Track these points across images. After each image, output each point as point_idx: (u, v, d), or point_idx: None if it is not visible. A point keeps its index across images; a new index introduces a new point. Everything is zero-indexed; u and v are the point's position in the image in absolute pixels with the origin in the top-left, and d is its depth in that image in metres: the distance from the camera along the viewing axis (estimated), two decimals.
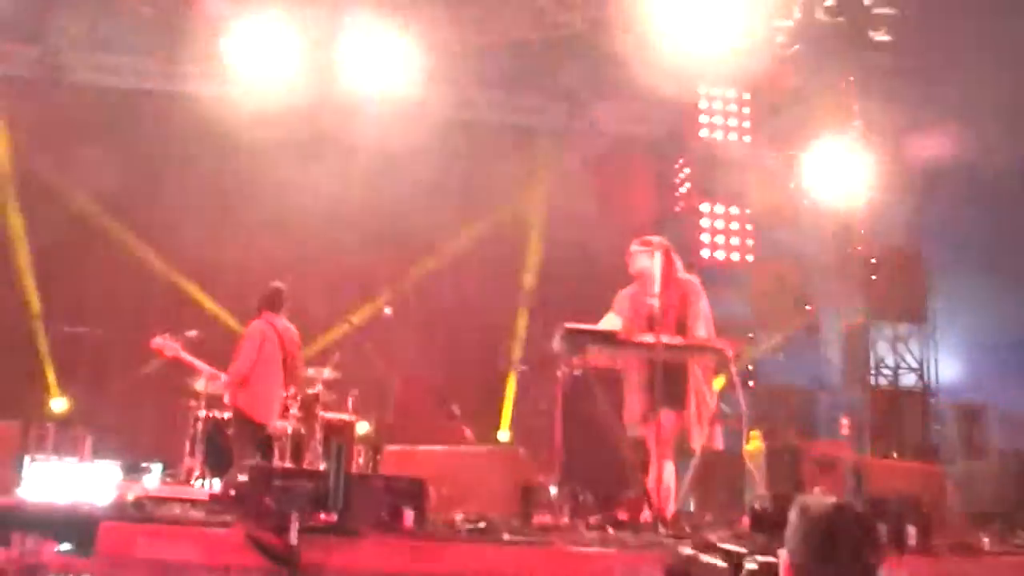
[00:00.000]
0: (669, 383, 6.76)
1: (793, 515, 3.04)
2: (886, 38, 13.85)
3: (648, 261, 7.30)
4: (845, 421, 14.40)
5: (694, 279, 7.60)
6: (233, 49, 14.47)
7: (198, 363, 9.90)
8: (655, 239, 7.48)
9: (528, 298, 15.14)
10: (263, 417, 9.17)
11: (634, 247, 7.42)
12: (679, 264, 7.46)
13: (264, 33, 14.49)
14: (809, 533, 2.92)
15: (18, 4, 14.00)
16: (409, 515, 5.01)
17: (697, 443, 6.83)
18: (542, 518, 6.80)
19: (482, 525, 5.41)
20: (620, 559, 4.76)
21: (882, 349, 14.40)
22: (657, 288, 7.08)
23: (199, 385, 10.23)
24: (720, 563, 3.71)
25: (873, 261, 14.30)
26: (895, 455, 12.75)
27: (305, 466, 9.50)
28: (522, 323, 14.95)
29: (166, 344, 9.78)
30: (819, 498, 3.11)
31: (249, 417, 9.12)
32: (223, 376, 9.50)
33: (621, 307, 7.37)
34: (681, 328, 7.07)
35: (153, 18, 14.44)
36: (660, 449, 6.66)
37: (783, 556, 3.04)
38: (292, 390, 9.53)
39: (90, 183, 14.58)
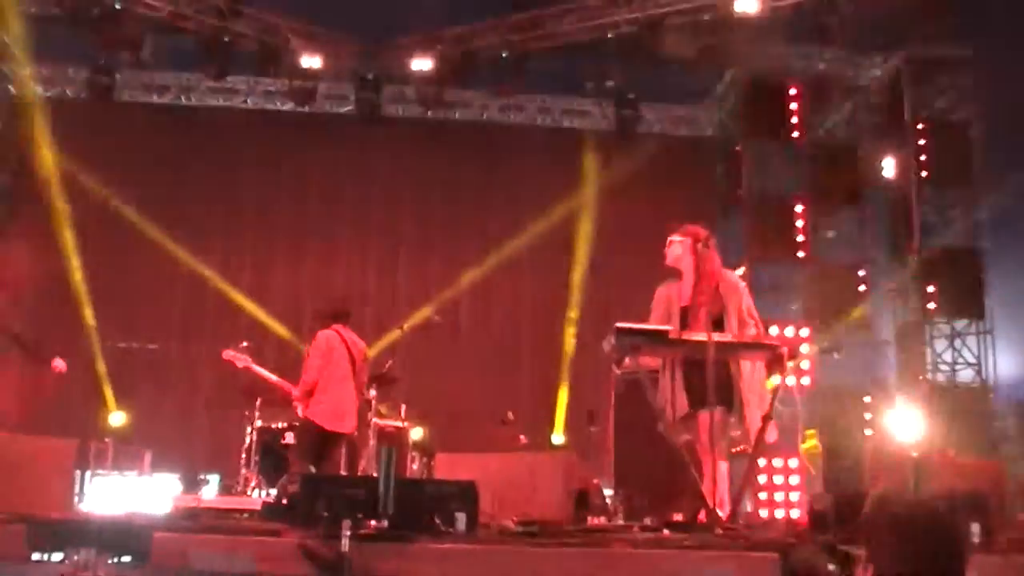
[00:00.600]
0: (718, 381, 6.63)
1: (875, 515, 2.93)
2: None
3: (681, 251, 7.18)
4: (900, 418, 14.18)
5: (734, 275, 7.38)
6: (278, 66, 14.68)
7: (269, 375, 9.94)
8: (689, 228, 7.31)
9: (578, 302, 15.05)
10: (335, 426, 9.14)
11: (670, 238, 7.28)
12: (717, 258, 7.23)
13: (307, 48, 14.65)
14: (900, 536, 2.81)
15: (66, 27, 14.19)
16: (461, 519, 4.98)
17: (749, 442, 6.70)
18: (596, 521, 6.73)
19: (535, 528, 5.36)
20: (676, 560, 4.68)
21: (939, 345, 14.18)
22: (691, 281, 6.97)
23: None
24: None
25: (929, 257, 14.07)
26: (954, 452, 12.53)
27: (359, 473, 9.52)
28: (573, 326, 14.86)
29: (237, 356, 9.83)
30: (903, 499, 3.00)
31: (320, 427, 9.11)
32: (294, 389, 9.52)
33: (657, 304, 7.23)
34: (717, 324, 6.80)
35: (199, 36, 14.58)
36: (711, 449, 6.54)
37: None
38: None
39: (140, 200, 14.77)
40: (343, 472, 8.67)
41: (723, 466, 6.59)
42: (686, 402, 6.71)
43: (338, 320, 9.47)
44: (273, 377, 9.95)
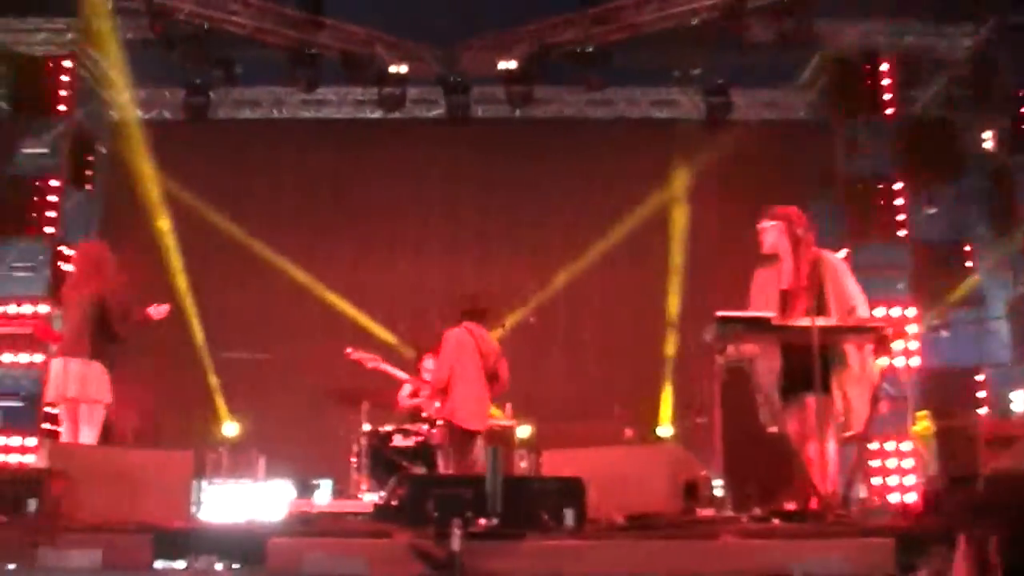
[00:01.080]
0: (811, 366, 6.53)
1: (992, 496, 2.85)
2: None
3: (775, 235, 7.06)
4: (1016, 396, 13.82)
5: (835, 256, 7.24)
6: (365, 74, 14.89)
7: (398, 373, 10.08)
8: (780, 211, 7.19)
9: (677, 292, 14.94)
10: (469, 423, 9.23)
11: (762, 224, 7.16)
12: (814, 240, 7.10)
13: (393, 55, 14.83)
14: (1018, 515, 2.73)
15: (161, 50, 14.56)
16: (569, 516, 5.00)
17: (858, 426, 6.58)
18: (705, 513, 6.69)
19: (644, 522, 5.36)
20: (787, 549, 4.64)
21: None
22: (789, 264, 6.88)
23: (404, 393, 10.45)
24: None
25: None
26: None
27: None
28: (673, 318, 14.76)
29: (364, 356, 9.98)
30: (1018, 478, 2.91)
31: (458, 426, 9.20)
32: (424, 387, 9.63)
33: (755, 289, 7.13)
34: (820, 307, 6.70)
35: (285, 50, 14.84)
36: (817, 434, 6.46)
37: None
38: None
39: (240, 214, 15.09)
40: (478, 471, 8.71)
41: (830, 450, 6.50)
42: (783, 387, 6.64)
43: (470, 318, 9.54)
44: (402, 375, 10.08)
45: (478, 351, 9.36)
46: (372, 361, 9.99)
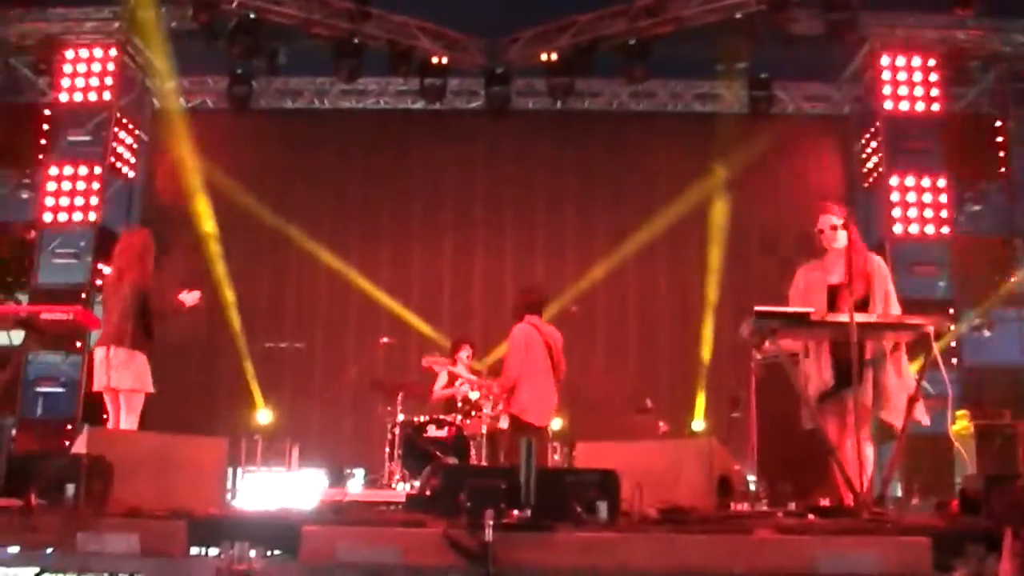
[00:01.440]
0: (860, 362, 6.53)
1: None
2: None
3: (832, 234, 7.02)
4: None
5: (879, 258, 7.24)
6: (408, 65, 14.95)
7: (469, 375, 10.08)
8: (838, 209, 7.15)
9: (716, 286, 14.86)
10: (539, 419, 9.21)
11: (820, 217, 7.11)
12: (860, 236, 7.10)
13: (436, 46, 14.86)
14: None
15: (204, 40, 14.67)
16: (602, 508, 4.97)
17: (896, 424, 6.54)
18: (740, 508, 6.65)
19: (677, 516, 5.33)
20: (822, 546, 4.60)
21: None
22: (842, 263, 6.82)
23: (472, 395, 10.46)
24: None
25: None
26: None
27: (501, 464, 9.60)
28: (711, 312, 14.69)
29: (435, 361, 10.01)
30: None
31: (526, 422, 9.17)
32: (494, 385, 9.62)
33: (797, 286, 7.10)
34: (863, 305, 6.72)
35: (330, 40, 14.89)
36: (854, 430, 6.43)
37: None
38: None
39: (280, 203, 15.18)
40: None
41: (869, 449, 6.47)
42: (831, 383, 6.59)
43: (534, 312, 9.50)
44: (472, 377, 10.07)
45: (545, 345, 9.33)
46: (442, 365, 9.99)
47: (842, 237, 6.95)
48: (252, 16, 14.26)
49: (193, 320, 14.74)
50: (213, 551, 4.84)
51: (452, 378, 10.91)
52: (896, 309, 6.90)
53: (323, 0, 14.70)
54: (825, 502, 6.81)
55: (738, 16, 14.37)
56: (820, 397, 6.63)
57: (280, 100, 16.49)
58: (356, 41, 14.74)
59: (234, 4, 14.24)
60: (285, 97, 16.50)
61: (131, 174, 15.55)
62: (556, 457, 10.47)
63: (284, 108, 16.49)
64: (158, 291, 8.48)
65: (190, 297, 8.62)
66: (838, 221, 7.02)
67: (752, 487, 8.22)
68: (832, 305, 6.76)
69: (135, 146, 15.62)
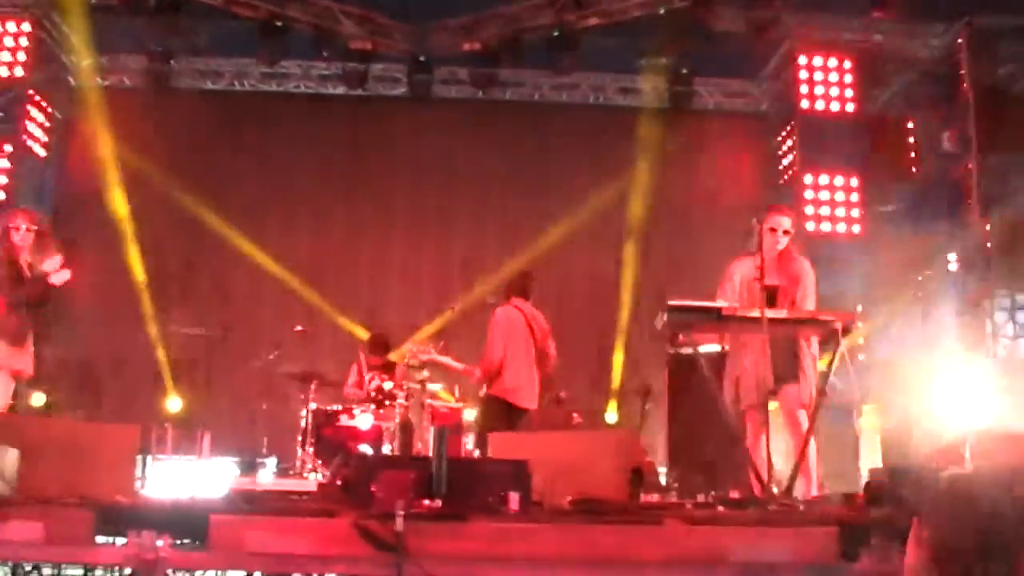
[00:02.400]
0: (790, 358, 6.70)
1: (941, 491, 2.86)
2: None
3: (782, 237, 7.12)
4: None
5: (807, 263, 7.42)
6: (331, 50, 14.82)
7: (451, 362, 10.01)
8: (790, 212, 7.30)
9: (632, 280, 14.98)
10: (523, 401, 9.21)
11: (773, 216, 7.20)
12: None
13: (360, 31, 14.76)
14: (955, 510, 2.75)
15: (124, 16, 14.37)
16: (515, 498, 4.99)
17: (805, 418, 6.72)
18: (650, 499, 6.73)
19: (588, 506, 5.37)
20: (731, 536, 4.67)
21: (1000, 318, 13.96)
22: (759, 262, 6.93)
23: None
24: None
25: (988, 228, 13.84)
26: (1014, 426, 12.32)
27: (414, 454, 9.59)
28: (627, 304, 14.81)
29: (419, 350, 9.93)
30: (960, 473, 2.92)
31: (509, 403, 9.16)
32: (476, 370, 9.57)
33: (732, 280, 7.19)
34: (792, 306, 6.96)
35: (253, 21, 14.68)
36: (799, 424, 6.63)
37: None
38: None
39: (198, 186, 14.96)
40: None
41: (811, 446, 6.66)
42: (771, 379, 6.70)
43: (520, 295, 9.51)
44: (456, 364, 10.00)
45: (529, 329, 9.35)
46: (425, 354, 9.91)
47: (785, 241, 7.11)
48: None
49: (103, 303, 14.56)
50: (120, 540, 4.77)
51: (361, 375, 10.86)
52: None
53: None
54: (734, 493, 6.93)
55: (662, 11, 14.46)
56: (761, 394, 6.70)
57: (200, 81, 16.21)
58: (279, 23, 14.55)
59: None
60: (205, 78, 16.23)
61: (44, 153, 15.16)
62: (469, 447, 10.48)
63: (204, 89, 16.20)
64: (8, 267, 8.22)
65: (50, 264, 8.32)
66: (790, 227, 7.16)
67: (664, 479, 8.33)
68: (770, 304, 6.84)
69: (48, 124, 15.24)
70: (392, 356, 11.75)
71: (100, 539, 4.82)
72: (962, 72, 14.36)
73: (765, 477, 6.15)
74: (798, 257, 7.32)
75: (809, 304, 7.15)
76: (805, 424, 6.73)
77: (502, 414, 9.16)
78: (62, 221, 14.73)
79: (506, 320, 9.34)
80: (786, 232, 7.13)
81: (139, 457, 10.26)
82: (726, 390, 7.01)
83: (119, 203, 14.39)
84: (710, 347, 7.61)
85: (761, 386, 6.67)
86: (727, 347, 7.36)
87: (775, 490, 6.14)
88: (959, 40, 14.42)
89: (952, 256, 14.75)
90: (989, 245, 13.76)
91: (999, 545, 2.73)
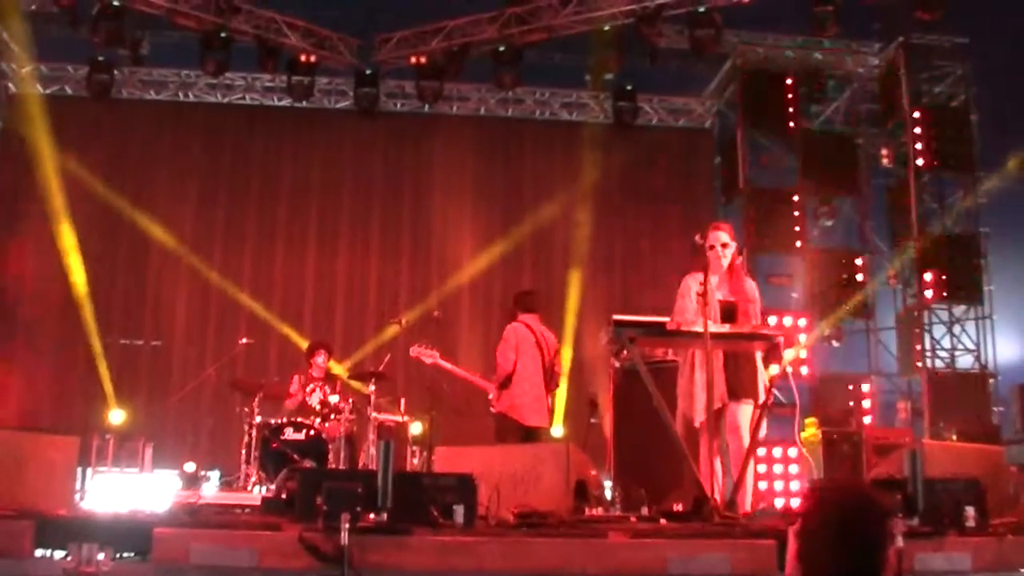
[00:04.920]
0: (742, 373, 6.77)
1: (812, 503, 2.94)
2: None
3: (722, 251, 7.16)
4: (902, 405, 14.26)
5: (752, 282, 7.50)
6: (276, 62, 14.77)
7: (459, 370, 9.87)
8: (728, 228, 7.33)
9: (577, 294, 15.04)
10: (530, 419, 9.10)
11: (711, 233, 7.24)
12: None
13: (305, 44, 14.74)
14: (825, 519, 2.83)
15: (66, 25, 14.22)
16: (459, 512, 5.01)
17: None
18: (595, 512, 6.76)
19: (532, 520, 5.40)
20: (673, 548, 4.73)
21: (938, 331, 14.20)
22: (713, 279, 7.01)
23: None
24: None
25: (928, 243, 14.09)
26: (954, 438, 12.57)
27: (360, 467, 9.55)
28: (572, 318, 14.87)
29: (423, 352, 9.75)
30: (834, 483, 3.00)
31: (516, 420, 9.08)
32: (489, 385, 9.45)
33: (688, 294, 7.18)
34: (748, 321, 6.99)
35: (197, 32, 14.57)
36: (739, 441, 6.69)
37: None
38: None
39: (140, 197, 14.85)
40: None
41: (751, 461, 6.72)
42: (725, 393, 6.76)
43: (527, 310, 9.43)
44: (467, 374, 9.85)
45: (538, 346, 9.27)
46: (430, 358, 9.72)
47: (727, 253, 7.16)
48: (116, 3, 13.85)
49: (44, 314, 14.38)
50: (60, 553, 4.71)
51: (303, 385, 10.78)
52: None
53: None
54: (677, 507, 6.99)
55: (606, 28, 14.57)
56: (715, 410, 6.73)
57: (143, 91, 16.05)
58: (223, 35, 14.46)
59: None
60: (148, 88, 16.07)
61: None
62: (415, 461, 10.46)
63: (147, 99, 16.04)
64: None
65: None
66: (728, 240, 7.21)
67: (608, 492, 8.36)
68: (725, 319, 6.91)
69: None
70: (335, 368, 11.70)
71: (39, 552, 4.76)
72: (899, 90, 14.64)
73: (710, 491, 6.22)
74: (745, 277, 7.40)
75: (760, 321, 7.22)
76: (747, 440, 6.78)
77: (513, 432, 9.05)
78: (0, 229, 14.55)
79: (515, 336, 9.24)
80: (724, 245, 7.17)
81: (79, 469, 10.11)
82: (680, 404, 7.04)
83: (59, 213, 14.20)
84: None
85: (713, 401, 6.71)
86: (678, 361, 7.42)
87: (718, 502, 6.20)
88: (896, 58, 14.70)
89: (889, 271, 15.00)
90: (927, 259, 13.97)
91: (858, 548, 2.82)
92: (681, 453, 6.50)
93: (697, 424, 6.86)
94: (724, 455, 6.84)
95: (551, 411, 9.47)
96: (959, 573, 5.01)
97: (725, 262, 7.17)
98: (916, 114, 14.43)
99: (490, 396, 9.35)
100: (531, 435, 9.11)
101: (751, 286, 7.30)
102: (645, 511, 7.08)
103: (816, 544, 2.85)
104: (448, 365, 9.81)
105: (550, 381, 9.39)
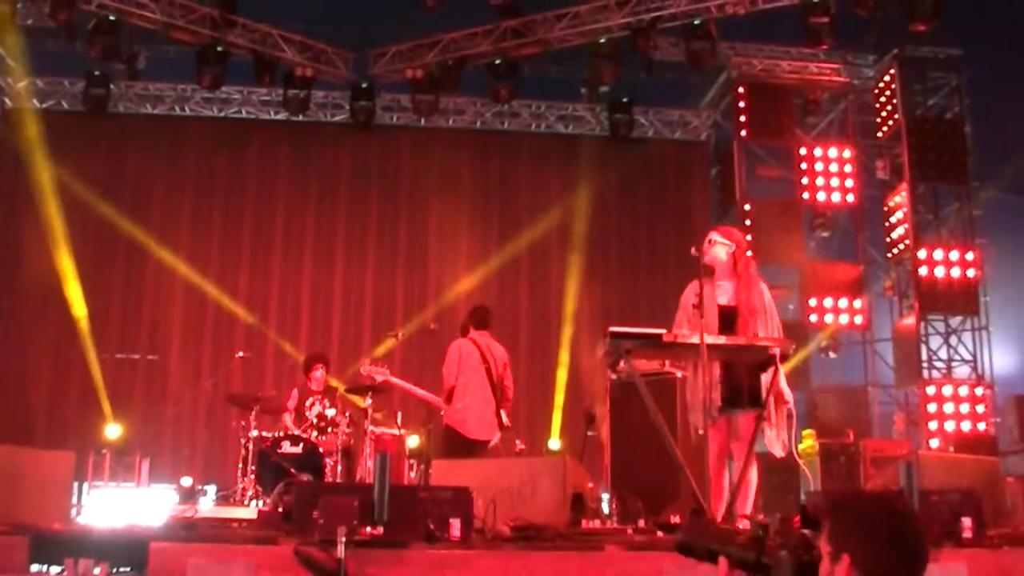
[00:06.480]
0: (744, 382, 6.72)
1: (845, 513, 2.92)
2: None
3: (725, 255, 7.09)
4: (899, 417, 14.25)
5: (765, 286, 7.36)
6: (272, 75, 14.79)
7: (412, 387, 9.98)
8: (733, 232, 7.25)
9: (574, 306, 15.06)
10: (473, 432, 9.22)
11: (713, 237, 7.16)
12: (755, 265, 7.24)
13: (301, 58, 14.77)
14: (872, 526, 2.81)
15: (62, 40, 14.25)
16: (456, 525, 5.01)
17: (775, 444, 6.73)
18: (591, 525, 6.75)
19: (529, 533, 5.39)
20: (668, 561, 4.72)
21: (935, 343, 14.20)
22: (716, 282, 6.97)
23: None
24: None
25: (924, 254, 14.09)
26: (950, 449, 12.57)
27: (356, 481, 9.53)
28: (569, 331, 14.88)
29: (374, 370, 9.84)
30: (867, 493, 3.00)
31: (461, 433, 9.18)
32: (442, 401, 9.52)
33: (687, 305, 7.11)
34: (752, 328, 6.89)
35: (193, 46, 14.59)
36: (741, 450, 6.65)
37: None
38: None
39: (137, 211, 14.85)
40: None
41: (752, 469, 6.66)
42: (719, 402, 6.72)
43: (478, 327, 9.59)
44: (417, 390, 9.96)
45: (483, 361, 9.41)
46: (381, 375, 9.84)
47: (720, 253, 7.06)
48: (112, 18, 13.88)
49: (40, 328, 14.36)
50: (56, 569, 4.70)
51: (302, 399, 10.77)
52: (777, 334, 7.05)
53: (186, 5, 14.38)
54: (675, 519, 6.98)
55: (602, 41, 14.60)
56: (706, 414, 6.69)
57: (139, 105, 16.05)
58: (219, 49, 14.48)
59: (93, 5, 13.81)
60: (145, 102, 16.08)
61: None
62: (411, 474, 10.44)
63: (143, 113, 16.05)
64: None
65: None
66: (718, 237, 7.12)
67: (605, 505, 8.36)
68: (724, 327, 6.86)
69: None
70: (332, 382, 11.68)
71: (35, 567, 4.75)
72: (894, 102, 14.69)
73: (715, 502, 6.22)
74: (759, 284, 7.22)
75: (771, 330, 7.04)
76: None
77: (456, 445, 9.18)
78: None
79: (459, 352, 9.46)
80: (711, 242, 7.06)
81: (75, 484, 10.09)
82: (691, 412, 6.99)
83: (56, 227, 14.20)
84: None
85: (711, 411, 6.68)
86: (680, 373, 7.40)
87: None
88: (891, 71, 14.75)
89: (886, 282, 15.02)
90: (924, 271, 13.98)
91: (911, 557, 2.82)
92: (677, 464, 6.48)
93: (701, 432, 6.83)
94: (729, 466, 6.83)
95: (501, 424, 9.52)
96: None
97: (721, 258, 7.07)
98: (911, 125, 14.46)
99: (441, 412, 9.47)
100: (474, 448, 9.20)
101: (762, 294, 7.10)
102: (642, 523, 7.07)
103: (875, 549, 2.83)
104: (399, 381, 9.95)
105: (500, 395, 9.47)
